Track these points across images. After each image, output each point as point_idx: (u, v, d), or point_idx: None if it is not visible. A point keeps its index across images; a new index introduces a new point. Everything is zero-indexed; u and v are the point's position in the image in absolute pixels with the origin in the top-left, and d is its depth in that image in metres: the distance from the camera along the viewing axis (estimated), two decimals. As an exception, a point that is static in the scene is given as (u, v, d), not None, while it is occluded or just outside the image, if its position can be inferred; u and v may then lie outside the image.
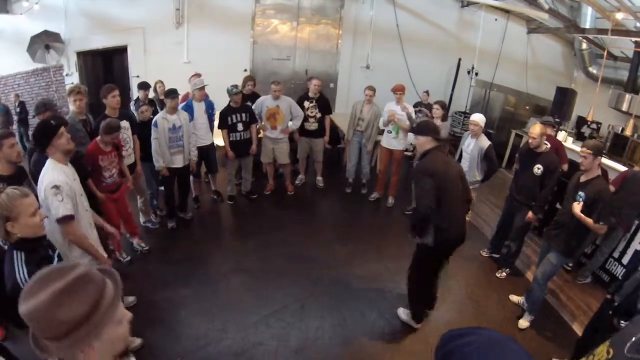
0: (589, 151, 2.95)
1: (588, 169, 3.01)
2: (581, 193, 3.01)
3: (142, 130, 4.13)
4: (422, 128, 2.93)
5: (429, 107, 6.00)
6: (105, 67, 8.24)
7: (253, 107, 5.06)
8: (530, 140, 3.64)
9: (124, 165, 3.74)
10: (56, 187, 2.24)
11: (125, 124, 3.88)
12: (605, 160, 4.48)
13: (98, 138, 3.37)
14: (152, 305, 3.30)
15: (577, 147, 6.05)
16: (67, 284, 0.85)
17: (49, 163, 2.35)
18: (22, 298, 0.86)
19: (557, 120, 5.66)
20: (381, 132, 5.30)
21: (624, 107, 6.66)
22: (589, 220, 2.92)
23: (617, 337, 1.62)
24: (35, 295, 0.84)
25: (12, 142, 2.64)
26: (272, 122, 5.11)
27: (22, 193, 1.72)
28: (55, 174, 2.30)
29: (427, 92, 6.74)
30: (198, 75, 5.21)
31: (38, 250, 1.79)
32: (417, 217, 2.89)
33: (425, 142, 2.89)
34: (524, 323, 3.42)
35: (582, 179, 3.08)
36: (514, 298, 3.81)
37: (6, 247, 1.77)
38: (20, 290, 1.56)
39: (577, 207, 2.97)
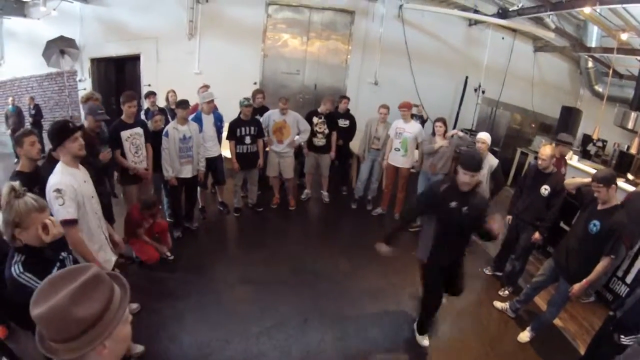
0: (599, 184, 2.82)
1: (605, 201, 2.88)
2: (596, 222, 2.89)
3: (154, 139, 4.20)
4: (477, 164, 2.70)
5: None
6: (118, 74, 8.41)
7: (261, 119, 5.13)
8: (539, 162, 3.66)
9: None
10: (58, 190, 2.23)
11: (139, 130, 3.97)
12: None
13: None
14: (155, 313, 3.33)
15: (582, 166, 6.08)
16: (82, 283, 0.90)
17: (58, 166, 2.35)
18: (35, 301, 0.89)
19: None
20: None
21: (630, 125, 6.67)
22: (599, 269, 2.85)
23: None
24: (50, 297, 0.87)
25: (33, 139, 2.65)
26: (278, 136, 5.18)
27: (40, 206, 1.73)
28: (61, 177, 2.29)
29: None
30: (207, 87, 5.30)
31: (40, 256, 1.78)
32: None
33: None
34: (524, 337, 3.42)
35: (600, 207, 2.93)
36: (498, 304, 3.84)
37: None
38: (18, 285, 1.66)
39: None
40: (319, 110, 5.43)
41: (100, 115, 3.47)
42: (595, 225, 2.90)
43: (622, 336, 2.37)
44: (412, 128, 5.04)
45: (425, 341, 3.29)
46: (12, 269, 1.69)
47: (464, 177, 2.66)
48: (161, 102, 5.68)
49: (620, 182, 4.34)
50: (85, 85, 7.66)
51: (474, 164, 2.64)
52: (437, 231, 2.91)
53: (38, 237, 1.73)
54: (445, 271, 3.06)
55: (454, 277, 3.13)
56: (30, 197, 1.71)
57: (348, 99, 5.79)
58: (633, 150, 6.63)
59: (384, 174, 5.47)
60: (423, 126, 5.63)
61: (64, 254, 1.93)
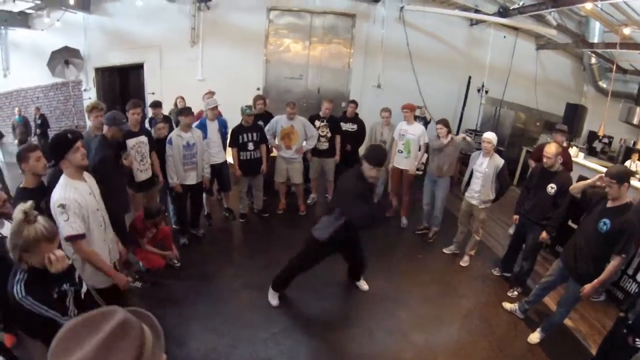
0: (612, 180, 2.74)
1: (616, 198, 2.82)
2: (606, 220, 2.83)
3: (158, 147, 4.22)
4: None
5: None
6: (122, 83, 8.50)
7: (267, 126, 5.12)
8: (544, 160, 3.62)
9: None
10: (62, 205, 2.18)
11: (144, 139, 3.99)
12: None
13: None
14: (162, 320, 3.22)
15: (588, 163, 6.04)
16: (109, 334, 0.75)
17: (62, 179, 2.31)
18: (55, 357, 0.75)
19: (569, 138, 5.67)
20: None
21: (635, 121, 6.64)
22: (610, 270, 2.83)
23: None
24: (72, 353, 0.73)
25: (38, 155, 2.63)
26: (286, 142, 5.16)
27: (50, 236, 1.70)
28: (65, 192, 2.24)
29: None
30: (212, 93, 5.32)
31: (42, 277, 1.75)
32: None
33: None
34: (534, 338, 3.38)
35: (609, 204, 2.87)
36: (507, 305, 3.81)
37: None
38: (23, 309, 1.65)
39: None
40: (321, 114, 5.41)
41: (125, 124, 3.49)
42: (605, 224, 2.84)
43: (637, 339, 2.33)
44: (415, 130, 5.03)
45: (274, 300, 3.58)
46: (15, 289, 1.68)
47: (370, 172, 3.01)
48: (167, 109, 5.73)
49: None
50: (90, 95, 7.74)
51: (379, 159, 3.00)
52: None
53: (44, 263, 1.72)
54: (344, 248, 3.54)
55: (355, 252, 3.58)
56: (41, 225, 1.68)
57: (356, 103, 5.73)
58: (639, 146, 6.58)
59: (389, 177, 5.44)
60: (426, 127, 5.60)
61: (66, 286, 1.86)
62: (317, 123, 5.39)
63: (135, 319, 0.82)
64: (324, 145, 5.46)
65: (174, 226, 4.75)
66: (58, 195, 2.23)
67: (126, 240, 3.20)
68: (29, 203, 1.69)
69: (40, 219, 1.70)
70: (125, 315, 0.80)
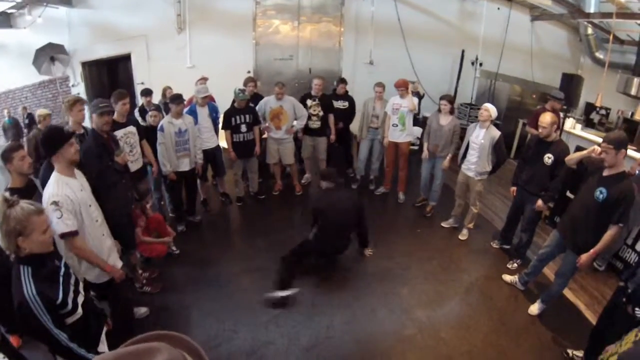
0: (609, 146, 2.67)
1: (612, 165, 2.76)
2: (602, 189, 2.77)
3: (150, 136, 4.16)
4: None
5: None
6: (110, 75, 8.34)
7: (257, 108, 5.06)
8: (540, 130, 3.57)
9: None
10: (55, 202, 2.16)
11: (132, 129, 3.91)
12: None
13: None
14: (163, 308, 3.34)
15: (585, 134, 5.98)
16: None
17: (53, 176, 2.29)
18: None
19: (565, 107, 5.59)
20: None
21: (633, 91, 6.52)
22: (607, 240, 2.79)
23: None
24: None
25: (22, 154, 2.59)
26: (276, 123, 5.11)
27: (37, 209, 1.70)
28: (57, 189, 2.23)
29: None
30: (205, 79, 5.23)
31: (45, 264, 1.78)
32: None
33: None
34: (534, 309, 3.39)
35: (605, 173, 2.81)
36: (507, 277, 3.82)
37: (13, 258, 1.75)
38: (28, 307, 1.63)
39: None
40: (312, 92, 5.33)
41: (104, 107, 3.12)
42: (601, 193, 2.79)
43: (637, 309, 2.31)
44: (409, 102, 4.97)
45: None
46: (25, 290, 1.66)
47: None
48: (156, 100, 5.63)
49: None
50: (78, 90, 7.60)
51: None
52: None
53: (41, 242, 1.72)
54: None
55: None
56: (25, 202, 1.69)
57: (345, 83, 5.67)
58: (637, 117, 6.50)
59: (385, 152, 5.39)
60: (420, 102, 5.53)
61: (57, 262, 1.90)
62: (309, 102, 5.32)
63: (177, 353, 0.68)
64: (316, 124, 5.39)
65: (170, 214, 4.72)
66: (50, 192, 2.22)
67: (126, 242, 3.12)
68: (6, 192, 1.72)
69: (21, 200, 1.70)
70: (167, 356, 0.65)
